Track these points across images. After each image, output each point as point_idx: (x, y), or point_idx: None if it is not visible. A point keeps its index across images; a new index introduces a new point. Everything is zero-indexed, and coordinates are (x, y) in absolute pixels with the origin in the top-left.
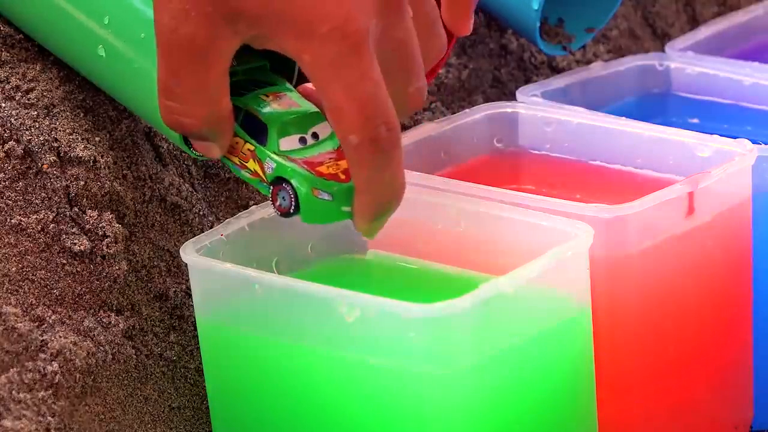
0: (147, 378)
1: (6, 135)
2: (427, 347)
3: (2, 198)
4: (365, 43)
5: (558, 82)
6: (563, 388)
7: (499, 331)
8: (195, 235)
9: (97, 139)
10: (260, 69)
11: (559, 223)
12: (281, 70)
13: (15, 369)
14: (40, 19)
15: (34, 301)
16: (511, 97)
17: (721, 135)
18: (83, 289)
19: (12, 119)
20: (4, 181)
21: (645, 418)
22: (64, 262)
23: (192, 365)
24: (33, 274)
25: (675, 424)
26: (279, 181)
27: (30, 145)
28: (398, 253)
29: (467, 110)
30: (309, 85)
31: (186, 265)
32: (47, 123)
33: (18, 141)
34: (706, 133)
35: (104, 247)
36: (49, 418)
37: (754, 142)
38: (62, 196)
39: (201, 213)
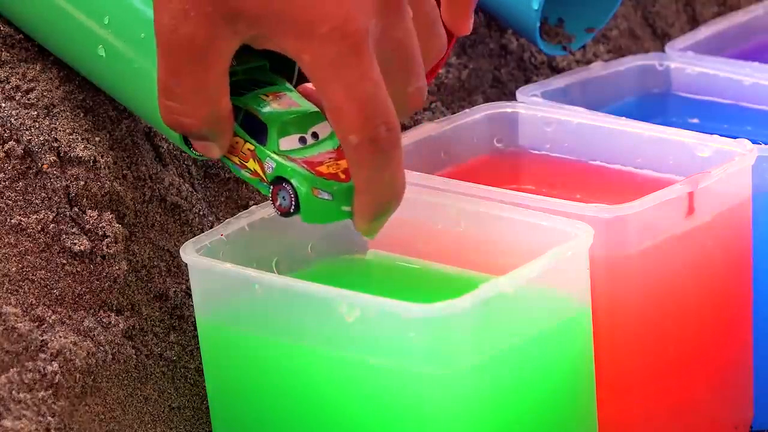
0: (147, 378)
1: (6, 135)
2: (427, 347)
3: (2, 198)
4: (365, 43)
5: (558, 82)
6: (563, 388)
7: (499, 331)
8: (195, 235)
9: (97, 139)
10: (260, 69)
11: (559, 223)
12: (281, 70)
13: (15, 369)
14: (40, 19)
15: (34, 301)
16: (511, 97)
17: (721, 135)
18: (83, 289)
19: (12, 119)
20: (4, 181)
21: (645, 418)
22: (64, 262)
23: (192, 365)
24: (33, 274)
25: (675, 424)
26: (279, 181)
27: (30, 145)
28: (398, 253)
29: (467, 110)
30: (309, 85)
31: (186, 265)
32: (47, 123)
33: (18, 141)
34: (706, 133)
35: (104, 247)
36: (49, 418)
37: (754, 142)
38: (62, 196)
39: (201, 213)
